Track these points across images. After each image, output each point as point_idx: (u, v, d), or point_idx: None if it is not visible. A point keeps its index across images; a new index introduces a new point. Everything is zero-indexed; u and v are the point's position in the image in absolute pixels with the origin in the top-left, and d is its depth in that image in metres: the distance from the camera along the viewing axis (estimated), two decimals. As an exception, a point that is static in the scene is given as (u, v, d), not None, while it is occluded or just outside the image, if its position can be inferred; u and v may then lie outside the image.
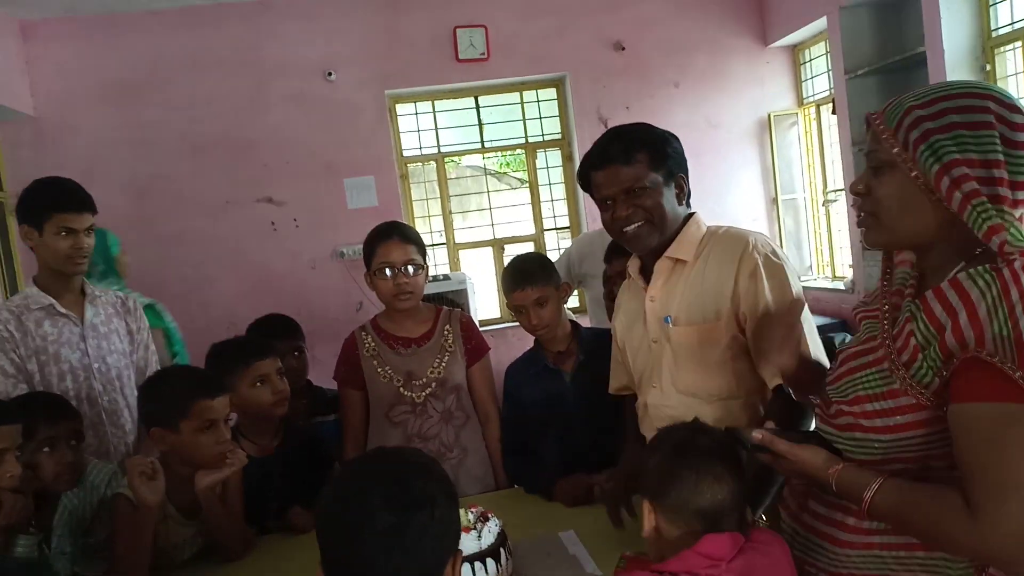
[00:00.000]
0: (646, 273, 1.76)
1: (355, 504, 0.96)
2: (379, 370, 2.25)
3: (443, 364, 2.27)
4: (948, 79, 3.82)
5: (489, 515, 1.64)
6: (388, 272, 2.20)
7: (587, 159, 1.73)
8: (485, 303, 5.71)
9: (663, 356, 1.71)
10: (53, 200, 2.23)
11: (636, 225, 1.66)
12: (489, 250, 5.78)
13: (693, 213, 1.75)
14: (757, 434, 1.24)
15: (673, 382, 1.70)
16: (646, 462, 1.28)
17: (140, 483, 1.75)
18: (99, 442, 2.31)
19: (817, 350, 1.61)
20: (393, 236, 2.22)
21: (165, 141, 5.10)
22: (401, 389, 2.24)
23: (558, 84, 5.68)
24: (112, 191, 4.73)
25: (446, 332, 2.31)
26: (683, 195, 1.69)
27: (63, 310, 2.30)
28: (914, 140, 1.09)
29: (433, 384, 2.25)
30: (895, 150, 1.11)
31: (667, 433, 1.32)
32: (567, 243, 5.74)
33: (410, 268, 2.21)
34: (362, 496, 0.96)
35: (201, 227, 5.15)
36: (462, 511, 1.54)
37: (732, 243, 1.66)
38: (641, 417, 1.82)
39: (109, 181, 4.80)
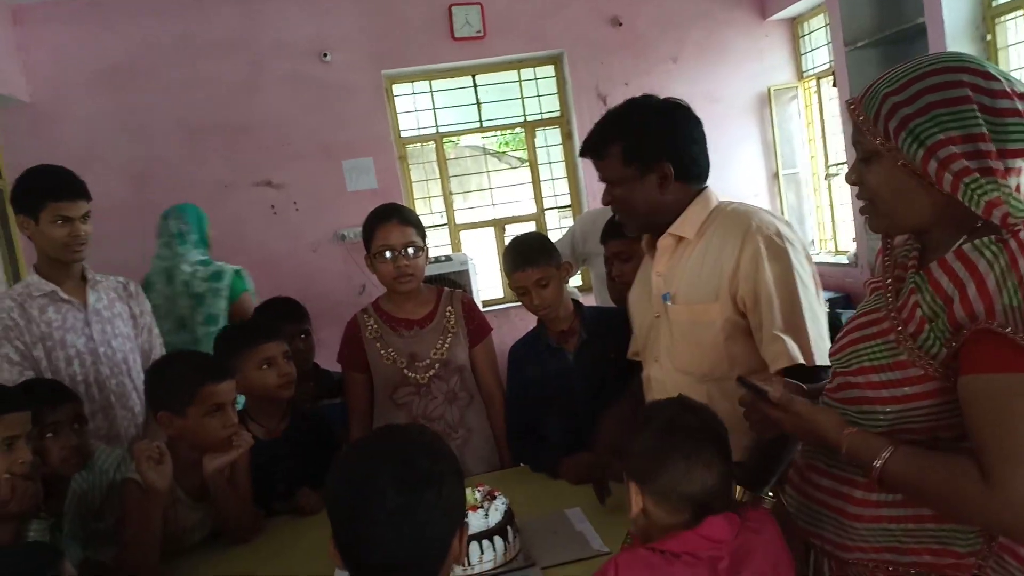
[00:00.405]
0: (654, 248, 1.75)
1: (364, 484, 0.98)
2: (382, 352, 2.26)
3: (446, 345, 2.27)
4: (948, 50, 3.79)
5: (496, 494, 1.65)
6: (388, 255, 2.20)
7: None
8: (487, 284, 5.70)
9: (662, 332, 1.72)
10: (47, 189, 2.23)
11: (618, 214, 1.73)
12: (490, 230, 5.77)
13: (704, 189, 1.71)
14: (776, 391, 1.23)
15: (670, 358, 1.70)
16: (632, 443, 1.24)
17: (148, 467, 1.77)
18: (110, 425, 2.33)
19: (820, 336, 1.57)
20: (392, 219, 2.22)
21: (161, 125, 5.07)
22: (405, 371, 2.24)
23: (556, 61, 5.63)
24: (110, 177, 4.71)
25: (448, 313, 2.31)
26: (667, 181, 1.64)
27: (66, 296, 2.30)
28: (894, 129, 1.09)
29: (436, 365, 2.25)
30: (878, 140, 1.11)
31: (652, 412, 1.28)
32: (568, 222, 5.74)
33: (410, 250, 2.20)
34: (371, 476, 0.98)
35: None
36: (469, 490, 1.56)
37: (735, 223, 1.62)
38: (645, 388, 1.82)
39: (107, 167, 4.78)
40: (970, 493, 1.02)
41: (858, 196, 1.20)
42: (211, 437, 1.90)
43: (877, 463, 1.11)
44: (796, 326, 1.55)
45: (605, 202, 1.73)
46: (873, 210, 1.18)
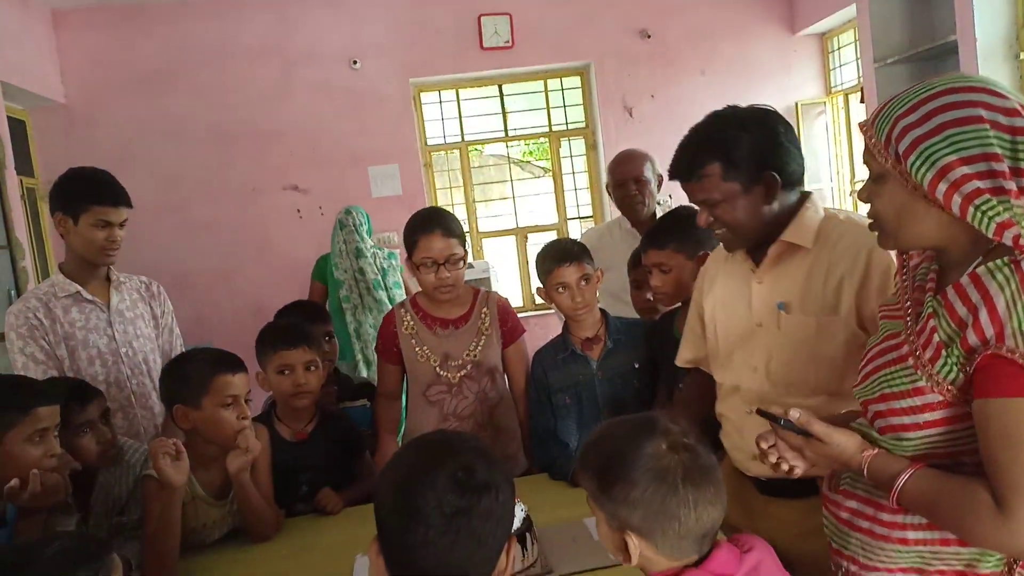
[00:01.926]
0: (753, 252, 1.64)
1: (423, 486, 0.96)
2: (416, 349, 2.29)
3: (479, 347, 2.29)
4: (980, 69, 3.76)
5: (515, 500, 1.65)
6: (430, 264, 2.21)
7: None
8: (508, 291, 5.72)
9: (772, 343, 1.61)
10: (92, 192, 2.26)
11: (720, 232, 1.61)
12: (512, 239, 5.79)
13: (809, 194, 1.62)
14: (796, 412, 1.21)
15: (777, 370, 1.60)
16: (625, 491, 1.10)
17: (164, 464, 1.78)
18: (129, 425, 2.35)
19: None
20: (435, 229, 2.21)
21: (193, 130, 5.16)
22: (438, 369, 2.27)
23: (583, 72, 5.65)
24: (141, 179, 4.78)
25: (483, 315, 2.33)
26: (774, 190, 1.54)
27: (89, 296, 2.33)
28: (904, 151, 1.08)
29: (469, 366, 2.27)
30: (888, 163, 1.11)
31: (629, 453, 1.11)
32: (591, 232, 5.74)
33: (452, 262, 2.22)
34: (430, 478, 0.96)
35: (229, 215, 5.21)
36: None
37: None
38: (723, 396, 1.75)
39: (138, 169, 4.86)
40: (984, 520, 1.02)
41: (868, 214, 1.21)
42: (226, 430, 1.91)
43: (896, 485, 1.11)
44: None
45: (703, 223, 1.60)
46: (880, 229, 1.19)
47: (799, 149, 1.59)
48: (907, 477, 1.10)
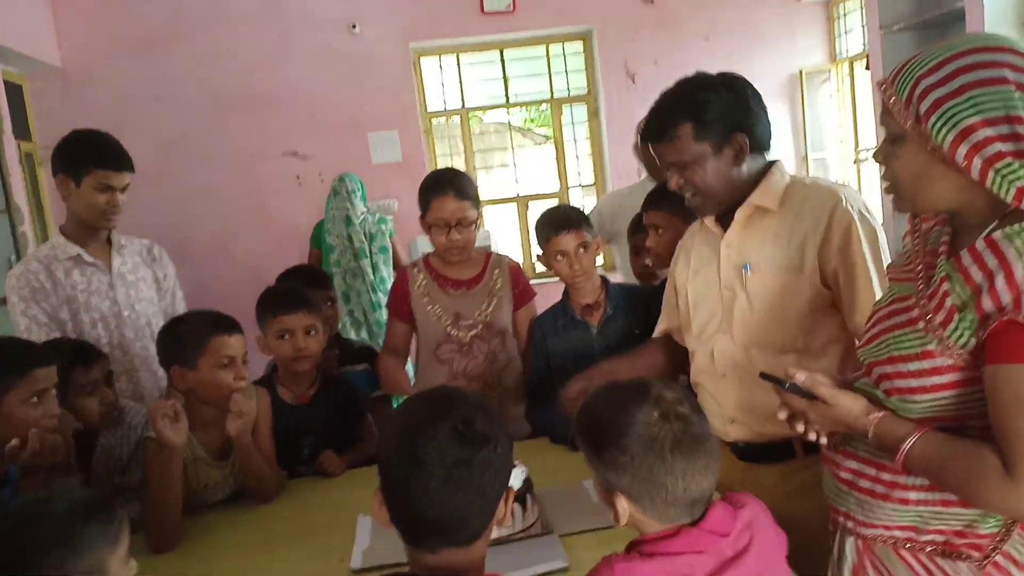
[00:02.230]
0: (722, 219, 1.69)
1: (424, 438, 0.98)
2: (428, 308, 2.31)
3: (491, 308, 2.32)
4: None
5: (516, 462, 1.66)
6: (441, 226, 2.23)
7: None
8: (508, 259, 5.72)
9: (735, 304, 1.66)
10: (95, 155, 2.24)
11: (690, 195, 1.65)
12: (513, 206, 5.76)
13: (776, 161, 1.67)
14: (801, 375, 1.22)
15: (746, 331, 1.65)
16: (614, 456, 1.11)
17: (163, 425, 1.79)
18: (134, 388, 2.36)
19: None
20: (448, 191, 2.22)
21: (190, 94, 5.11)
22: (449, 328, 2.30)
23: (585, 38, 5.59)
24: (139, 144, 4.66)
25: (495, 276, 2.36)
26: (744, 152, 1.60)
27: (91, 259, 2.33)
28: (925, 111, 1.07)
29: (480, 326, 2.30)
30: (908, 124, 1.09)
31: (623, 419, 1.11)
32: (592, 200, 5.72)
33: (463, 225, 2.24)
34: (431, 431, 0.98)
35: (227, 181, 5.19)
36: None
37: (824, 196, 1.59)
38: (697, 365, 1.77)
39: (136, 134, 4.75)
40: (992, 484, 1.03)
41: (883, 177, 1.19)
42: (222, 391, 1.91)
43: (903, 448, 1.11)
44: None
45: (674, 186, 1.64)
46: (896, 192, 1.17)
47: (767, 115, 1.64)
48: (914, 440, 1.10)
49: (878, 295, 1.52)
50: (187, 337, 1.95)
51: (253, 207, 5.24)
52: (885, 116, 1.14)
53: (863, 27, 5.06)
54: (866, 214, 1.57)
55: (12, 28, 4.36)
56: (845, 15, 5.48)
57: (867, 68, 4.91)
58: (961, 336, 1.07)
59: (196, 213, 5.14)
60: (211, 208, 5.18)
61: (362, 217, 4.18)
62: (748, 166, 1.62)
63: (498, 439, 1.02)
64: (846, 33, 5.51)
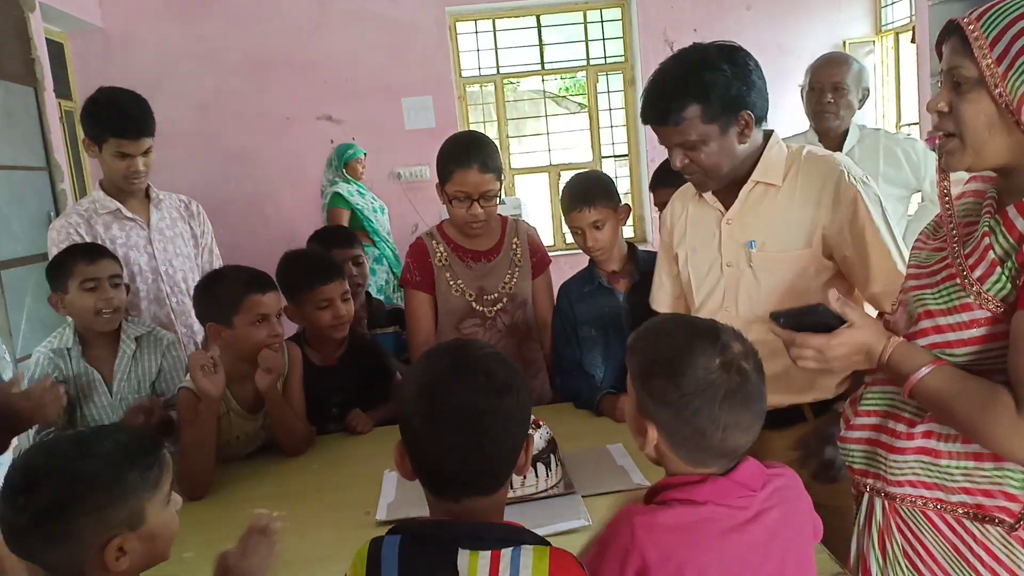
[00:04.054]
0: (721, 193, 1.68)
1: (446, 390, 0.98)
2: (451, 283, 2.23)
3: (514, 279, 2.26)
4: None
5: (540, 423, 1.68)
6: (463, 199, 2.12)
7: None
8: (540, 229, 5.70)
9: (741, 281, 1.66)
10: (111, 124, 2.27)
11: (694, 175, 1.63)
12: (545, 176, 5.74)
13: (772, 132, 1.64)
14: (833, 295, 1.19)
15: (751, 307, 1.64)
16: (663, 388, 1.07)
17: (201, 376, 1.84)
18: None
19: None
20: (473, 164, 2.08)
21: (228, 56, 5.14)
22: (473, 303, 2.23)
23: (624, 4, 5.50)
24: (177, 104, 4.80)
25: (514, 245, 2.29)
26: (749, 129, 1.57)
27: (130, 214, 2.38)
28: (1015, 54, 1.02)
29: (504, 299, 2.25)
30: (986, 62, 1.05)
31: (690, 360, 1.06)
32: (625, 171, 5.67)
33: (487, 198, 2.13)
34: (454, 381, 0.99)
35: (262, 143, 5.23)
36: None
37: (825, 169, 1.59)
38: None
39: (174, 94, 4.87)
40: (1001, 419, 1.03)
41: (939, 127, 1.14)
42: (256, 346, 1.97)
43: (915, 377, 1.11)
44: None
45: (678, 167, 1.61)
46: (958, 145, 1.11)
47: (765, 85, 1.60)
48: (930, 369, 1.10)
49: (895, 259, 1.53)
50: (223, 295, 1.99)
51: (287, 169, 5.28)
52: (955, 58, 1.09)
53: (911, -3, 4.92)
54: (868, 181, 1.57)
55: (54, -14, 4.41)
56: (893, -15, 5.33)
57: (912, 41, 4.78)
58: (1002, 288, 1.05)
59: (231, 173, 5.20)
60: (246, 169, 5.23)
61: (328, 188, 4.45)
62: (751, 142, 1.60)
63: (519, 389, 1.02)
64: (893, 3, 5.35)
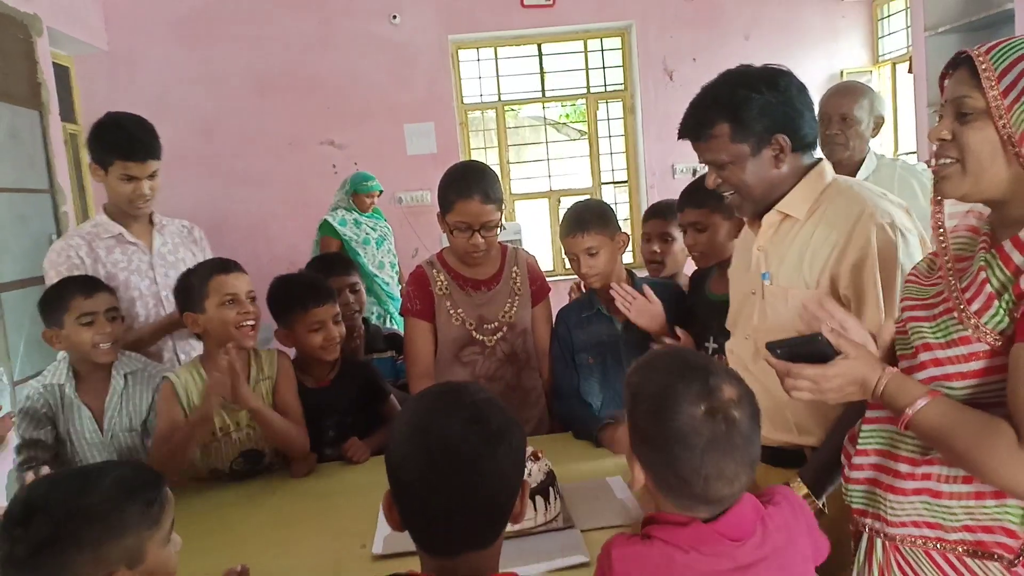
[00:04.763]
0: (760, 218, 1.63)
1: (439, 435, 0.95)
2: (451, 312, 2.23)
3: (514, 308, 2.26)
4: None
5: (540, 455, 1.67)
6: (464, 229, 2.12)
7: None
8: (539, 255, 5.71)
9: (756, 309, 1.64)
10: (117, 147, 2.27)
11: (729, 195, 1.60)
12: (545, 201, 5.76)
13: (819, 161, 1.59)
14: (827, 326, 1.18)
15: (755, 341, 1.62)
16: (647, 426, 1.06)
17: (212, 403, 1.93)
18: (160, 360, 2.41)
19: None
20: (474, 194, 2.09)
21: (233, 79, 5.19)
22: (473, 332, 2.23)
23: (624, 33, 5.56)
24: (181, 127, 4.84)
25: (514, 274, 2.29)
26: (784, 153, 1.52)
27: (132, 239, 2.38)
28: (1022, 88, 1.04)
29: (504, 328, 2.25)
30: (992, 93, 1.06)
31: (675, 403, 1.03)
32: (624, 197, 5.70)
33: (487, 228, 2.13)
34: (446, 428, 0.95)
35: (265, 166, 5.26)
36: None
37: (848, 206, 1.50)
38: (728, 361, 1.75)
39: (178, 117, 4.91)
40: (1000, 453, 1.02)
41: (941, 153, 1.14)
42: (229, 327, 2.04)
43: (912, 409, 1.10)
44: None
45: (711, 185, 1.59)
46: (958, 171, 1.12)
47: (812, 112, 1.56)
48: (928, 401, 1.10)
49: (883, 319, 1.45)
50: (193, 283, 2.09)
51: (289, 193, 5.31)
52: (962, 88, 1.10)
53: (907, 28, 4.97)
54: (895, 227, 1.48)
55: (62, 10, 4.46)
56: (889, 16, 5.39)
57: (910, 71, 4.82)
58: (1000, 321, 1.06)
59: (234, 196, 5.23)
60: (249, 192, 5.26)
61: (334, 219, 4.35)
62: (791, 165, 1.55)
63: (513, 435, 0.98)
64: (889, 34, 5.41)
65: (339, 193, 4.44)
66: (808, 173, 1.57)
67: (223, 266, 2.10)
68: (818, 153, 1.62)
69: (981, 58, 1.09)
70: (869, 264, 1.46)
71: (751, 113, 1.49)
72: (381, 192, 4.47)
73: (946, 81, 1.16)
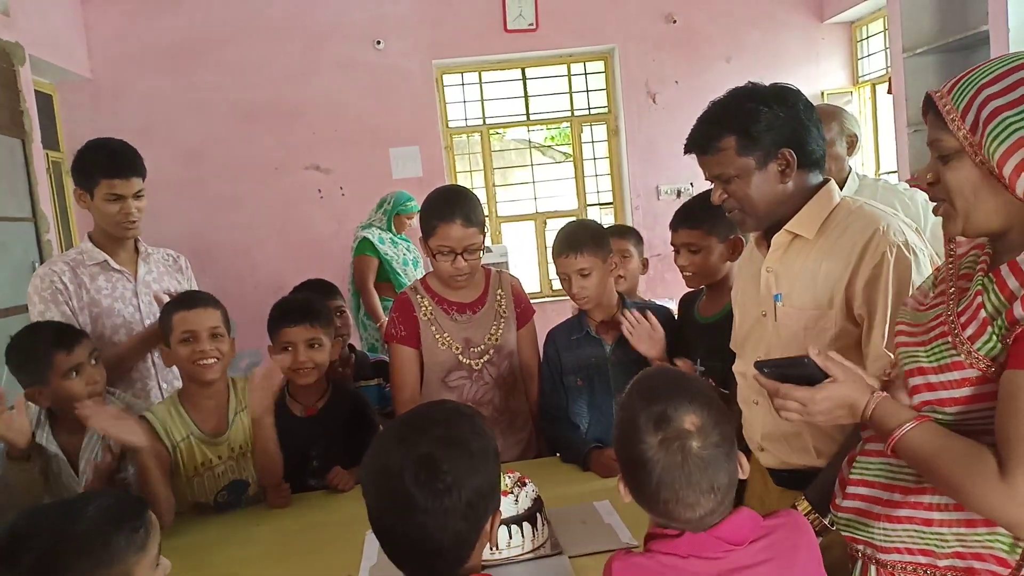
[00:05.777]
0: (768, 235, 1.62)
1: (387, 482, 1.03)
2: (437, 337, 2.22)
3: (499, 330, 2.25)
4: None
5: (526, 481, 1.66)
6: (447, 253, 2.13)
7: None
8: (526, 277, 5.72)
9: (767, 331, 1.62)
10: (101, 166, 2.26)
11: (733, 211, 1.59)
12: (531, 224, 5.78)
13: (827, 181, 1.58)
14: (815, 349, 1.19)
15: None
16: (619, 446, 1.12)
17: (118, 431, 1.88)
18: (147, 396, 2.38)
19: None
20: (456, 218, 2.09)
21: (217, 105, 5.19)
22: (460, 356, 2.22)
23: (607, 57, 5.62)
24: (166, 154, 4.84)
25: (499, 297, 2.29)
26: (791, 168, 1.51)
27: (117, 266, 2.36)
28: (984, 121, 1.04)
29: (491, 351, 2.24)
30: (961, 133, 1.07)
31: (636, 430, 1.08)
32: (609, 219, 5.72)
33: (470, 252, 2.14)
34: (396, 476, 1.02)
35: (251, 192, 5.26)
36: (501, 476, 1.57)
37: (861, 225, 1.49)
38: (741, 389, 1.73)
39: (163, 144, 4.91)
40: (983, 481, 1.02)
41: (933, 197, 1.15)
42: (189, 364, 2.03)
43: (898, 432, 1.10)
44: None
45: (716, 200, 1.58)
46: (949, 211, 1.13)
47: (820, 130, 1.56)
48: (914, 425, 1.10)
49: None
50: (162, 319, 2.10)
51: (275, 218, 5.30)
52: (935, 133, 1.11)
53: (886, 50, 5.05)
54: (909, 246, 1.47)
55: (44, 38, 4.45)
56: (868, 38, 5.47)
57: (889, 92, 4.89)
58: (993, 347, 1.05)
59: (220, 222, 5.21)
60: (234, 218, 5.24)
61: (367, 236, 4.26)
62: (796, 183, 1.54)
63: (466, 485, 1.01)
64: (869, 55, 5.49)
65: (376, 212, 4.30)
66: (817, 193, 1.56)
67: (186, 301, 2.09)
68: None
69: (944, 99, 1.09)
70: (883, 282, 1.45)
71: (759, 126, 1.49)
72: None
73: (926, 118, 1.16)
